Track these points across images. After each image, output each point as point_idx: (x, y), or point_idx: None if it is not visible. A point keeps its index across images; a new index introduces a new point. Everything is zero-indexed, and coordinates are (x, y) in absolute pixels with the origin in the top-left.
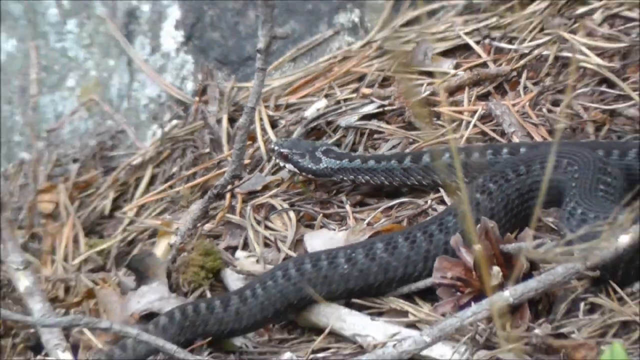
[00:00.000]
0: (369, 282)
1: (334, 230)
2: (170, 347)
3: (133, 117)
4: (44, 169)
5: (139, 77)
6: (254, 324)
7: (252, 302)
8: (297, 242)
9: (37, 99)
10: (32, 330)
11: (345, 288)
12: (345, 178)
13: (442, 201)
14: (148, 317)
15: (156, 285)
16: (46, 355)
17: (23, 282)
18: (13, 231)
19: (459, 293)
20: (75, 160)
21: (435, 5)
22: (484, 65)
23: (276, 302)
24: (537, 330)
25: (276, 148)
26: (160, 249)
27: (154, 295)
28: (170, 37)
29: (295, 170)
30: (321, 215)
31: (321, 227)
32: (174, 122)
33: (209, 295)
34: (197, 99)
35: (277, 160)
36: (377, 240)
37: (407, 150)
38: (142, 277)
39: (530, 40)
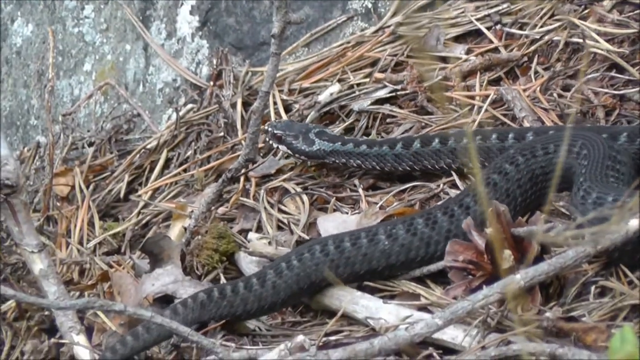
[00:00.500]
0: (410, 257)
1: (347, 213)
2: (184, 329)
3: (148, 101)
4: (59, 152)
5: (154, 62)
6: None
7: (288, 274)
8: (310, 225)
9: (53, 83)
10: (46, 313)
11: (387, 264)
12: (337, 161)
13: (454, 185)
14: (162, 300)
15: (170, 268)
16: (60, 337)
17: (38, 264)
18: (28, 214)
19: (470, 276)
20: (90, 144)
21: None
22: (496, 50)
23: (311, 274)
24: (548, 314)
25: (270, 129)
26: (175, 232)
27: (168, 278)
28: (186, 22)
29: (289, 151)
30: (334, 198)
31: (334, 210)
32: (189, 106)
33: (222, 278)
34: (211, 83)
35: (270, 142)
36: (417, 216)
37: (401, 136)
38: (156, 260)
39: (541, 26)
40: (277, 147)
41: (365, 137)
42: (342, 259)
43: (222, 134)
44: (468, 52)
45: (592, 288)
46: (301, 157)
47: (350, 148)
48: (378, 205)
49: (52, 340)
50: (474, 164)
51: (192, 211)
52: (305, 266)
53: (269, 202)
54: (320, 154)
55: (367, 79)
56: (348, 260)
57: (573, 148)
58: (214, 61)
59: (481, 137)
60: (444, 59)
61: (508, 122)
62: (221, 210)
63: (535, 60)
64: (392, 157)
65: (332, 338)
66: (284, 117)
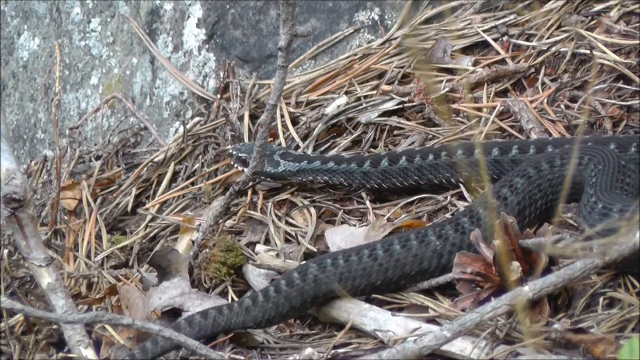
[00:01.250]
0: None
1: (355, 225)
2: (192, 343)
3: (155, 114)
4: (66, 166)
5: (161, 75)
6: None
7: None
8: (318, 238)
9: (60, 96)
10: (54, 327)
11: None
12: (304, 179)
13: (461, 197)
14: (170, 313)
15: (178, 281)
16: (68, 351)
17: (46, 278)
18: (36, 228)
19: (478, 288)
20: (98, 157)
21: (454, 3)
22: (503, 62)
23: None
24: (556, 325)
25: (234, 152)
26: (182, 245)
27: (176, 291)
28: (193, 35)
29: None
30: (342, 211)
31: (342, 222)
32: (196, 119)
33: (230, 291)
34: (219, 96)
35: (235, 165)
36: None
37: (369, 154)
38: (164, 273)
39: (548, 38)
40: (243, 170)
41: (332, 154)
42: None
43: (229, 147)
44: (475, 63)
45: (601, 299)
46: (267, 179)
47: (317, 165)
48: (386, 217)
49: (60, 354)
50: (483, 178)
51: (199, 224)
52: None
53: (276, 215)
54: (286, 174)
55: (374, 91)
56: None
57: (582, 160)
58: (221, 74)
59: (447, 152)
60: (451, 71)
61: (515, 133)
62: (229, 223)
63: (542, 71)
64: (360, 174)
65: (341, 350)
66: (292, 129)
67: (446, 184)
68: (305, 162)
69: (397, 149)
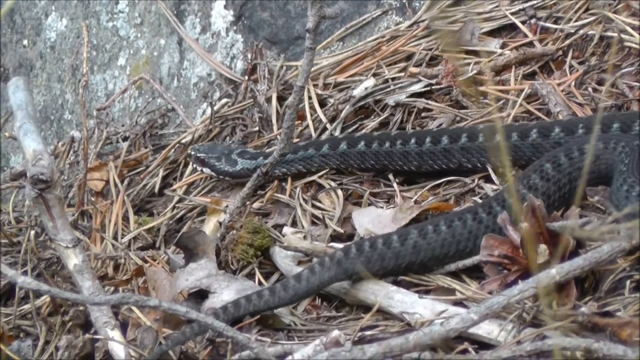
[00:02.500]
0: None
1: (382, 207)
2: (219, 324)
3: (183, 95)
4: (94, 147)
5: (189, 56)
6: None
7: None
8: (345, 220)
9: (87, 77)
10: (81, 308)
11: None
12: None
13: (488, 179)
14: (197, 295)
15: (204, 262)
16: (95, 333)
17: (72, 260)
18: (63, 209)
19: (505, 271)
20: (125, 139)
21: None
22: (530, 44)
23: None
24: (583, 309)
25: (193, 153)
26: (210, 226)
27: (202, 273)
28: (220, 16)
29: (212, 173)
30: (368, 192)
31: (369, 204)
32: (224, 100)
33: (257, 273)
34: (246, 77)
35: (194, 165)
36: None
37: (327, 137)
38: (191, 254)
39: (576, 20)
40: (202, 170)
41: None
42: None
43: (257, 128)
44: (503, 46)
45: (627, 282)
46: (225, 178)
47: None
48: (413, 199)
49: (87, 335)
50: (504, 162)
51: (227, 206)
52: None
53: (303, 198)
54: (244, 172)
55: (402, 73)
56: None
57: (608, 145)
58: (249, 55)
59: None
60: (479, 54)
61: (542, 116)
62: (256, 205)
63: (570, 54)
64: (318, 158)
65: (368, 333)
66: (319, 111)
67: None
68: (262, 158)
69: (356, 134)
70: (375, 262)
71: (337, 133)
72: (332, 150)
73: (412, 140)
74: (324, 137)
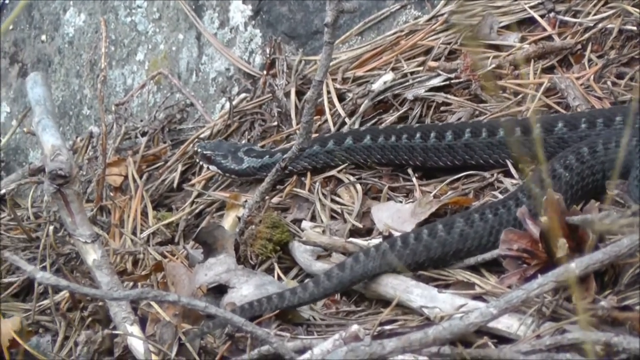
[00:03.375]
0: None
1: (401, 202)
2: (238, 319)
3: (202, 90)
4: (112, 142)
5: (207, 51)
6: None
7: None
8: (364, 214)
9: (106, 72)
10: (100, 304)
11: None
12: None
13: (507, 174)
14: (216, 290)
15: (223, 257)
16: (114, 328)
17: (91, 255)
18: (81, 204)
19: (525, 265)
20: (143, 134)
21: None
22: (549, 38)
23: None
24: (603, 303)
25: (199, 150)
26: (228, 221)
27: (221, 268)
28: (239, 11)
29: (219, 171)
30: (387, 187)
31: (387, 199)
32: (242, 95)
33: (277, 268)
34: (265, 72)
35: (201, 162)
36: None
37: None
38: (210, 249)
39: (595, 14)
40: (208, 168)
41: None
42: None
43: (275, 123)
44: (521, 40)
45: None
46: (232, 176)
47: (279, 157)
48: (432, 194)
49: (106, 330)
50: (539, 156)
51: (245, 201)
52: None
53: (322, 193)
54: (250, 171)
55: (421, 68)
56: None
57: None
58: (267, 50)
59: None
60: (498, 47)
61: (561, 110)
62: (275, 199)
63: (589, 48)
64: (324, 154)
65: (387, 327)
66: (338, 106)
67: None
68: (267, 156)
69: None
70: (420, 253)
71: (356, 127)
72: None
73: (432, 134)
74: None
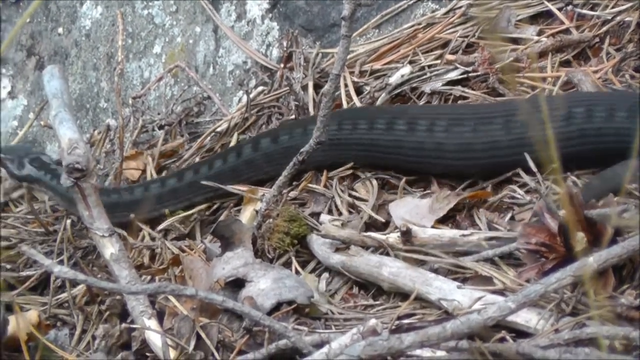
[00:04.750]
0: None
1: (418, 197)
2: (256, 313)
3: (219, 83)
4: (129, 135)
5: (224, 44)
6: None
7: None
8: (380, 208)
9: (123, 65)
10: (117, 297)
11: None
12: (42, 189)
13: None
14: (234, 284)
15: (241, 251)
16: (132, 322)
17: (109, 249)
18: (99, 198)
19: (543, 259)
20: (161, 127)
21: None
22: (567, 31)
23: None
24: (622, 300)
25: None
26: (246, 215)
27: (239, 262)
28: (256, 4)
29: (7, 174)
30: (404, 180)
31: (404, 193)
32: (260, 88)
33: (294, 261)
34: (282, 65)
35: None
36: None
37: None
38: (227, 243)
39: (612, 7)
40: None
41: None
42: None
43: (293, 116)
44: (539, 33)
45: None
46: (15, 181)
47: (41, 176)
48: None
49: (124, 324)
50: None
51: (263, 194)
52: None
53: (339, 187)
54: (29, 179)
55: (438, 61)
56: None
57: None
58: (284, 43)
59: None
60: (515, 40)
61: None
62: (292, 193)
63: (606, 41)
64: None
65: (405, 321)
66: (355, 99)
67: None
68: (43, 172)
69: None
70: None
71: None
72: None
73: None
74: None
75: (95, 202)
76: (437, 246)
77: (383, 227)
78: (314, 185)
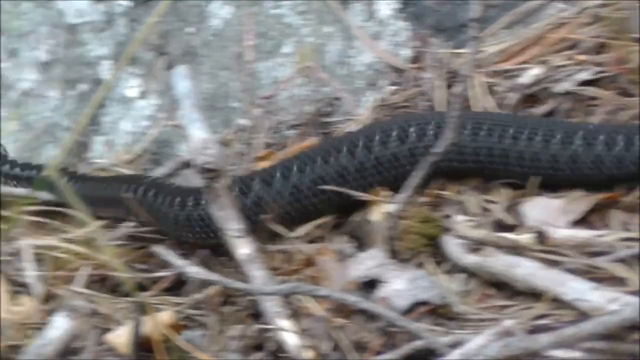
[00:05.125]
0: None
1: (551, 197)
2: (391, 314)
3: (348, 83)
4: (261, 135)
5: (354, 44)
6: None
7: None
8: (511, 209)
9: (253, 65)
10: (251, 298)
11: None
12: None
13: None
14: (368, 284)
15: (375, 252)
16: (266, 323)
17: (242, 249)
18: (231, 198)
19: None
20: (292, 127)
21: None
22: None
23: None
24: None
25: None
26: (378, 216)
27: (373, 262)
28: (386, 4)
29: None
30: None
31: (537, 194)
32: (390, 88)
33: (428, 262)
34: (412, 66)
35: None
36: None
37: None
38: (361, 244)
39: None
40: None
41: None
42: None
43: None
44: None
45: None
46: None
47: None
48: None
49: (258, 325)
50: None
51: (395, 195)
52: None
53: (470, 189)
54: None
55: (569, 61)
56: None
57: None
58: (414, 43)
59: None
60: None
61: None
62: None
63: None
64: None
65: (540, 322)
66: (486, 100)
67: None
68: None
69: None
70: None
71: None
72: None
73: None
74: None
75: (227, 202)
76: (571, 247)
77: (515, 228)
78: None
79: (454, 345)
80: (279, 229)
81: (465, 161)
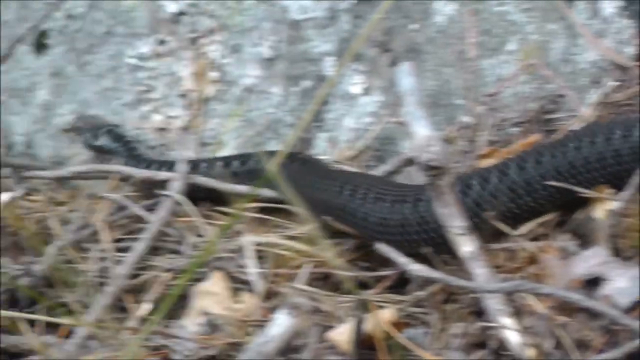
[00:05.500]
0: None
1: None
2: (613, 312)
3: (572, 81)
4: (484, 133)
5: (578, 41)
6: None
7: None
8: None
9: (476, 62)
10: (474, 296)
11: None
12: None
13: None
14: (591, 282)
15: (597, 249)
16: (488, 320)
17: (465, 247)
18: (455, 196)
19: None
20: (516, 125)
21: None
22: None
23: None
24: None
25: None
26: (600, 213)
27: (596, 260)
28: (609, 2)
29: (82, 143)
30: None
31: None
32: (613, 86)
33: None
34: (636, 63)
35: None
36: None
37: None
38: (584, 242)
39: None
40: None
41: None
42: None
43: None
44: None
45: None
46: (89, 150)
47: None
48: None
49: (480, 323)
50: None
51: (618, 193)
52: None
53: None
54: (103, 149)
55: None
56: None
57: None
58: (638, 41)
59: None
60: None
61: None
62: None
63: None
64: None
65: None
66: None
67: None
68: (117, 144)
69: None
70: None
71: None
72: None
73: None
74: None
75: (451, 199)
76: None
77: None
78: None
79: None
80: (502, 226)
81: None
